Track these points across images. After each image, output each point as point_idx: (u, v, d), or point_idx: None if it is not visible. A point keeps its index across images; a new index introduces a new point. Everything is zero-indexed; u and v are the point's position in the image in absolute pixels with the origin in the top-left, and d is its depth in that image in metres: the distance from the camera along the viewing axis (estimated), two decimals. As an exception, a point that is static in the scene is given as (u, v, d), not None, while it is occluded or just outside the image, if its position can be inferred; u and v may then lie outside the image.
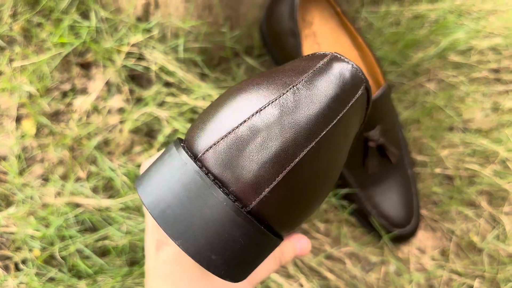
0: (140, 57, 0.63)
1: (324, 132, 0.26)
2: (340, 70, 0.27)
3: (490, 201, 0.62)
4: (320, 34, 0.55)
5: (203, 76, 0.65)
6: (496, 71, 0.71)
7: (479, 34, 0.72)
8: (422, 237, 0.60)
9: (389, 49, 0.67)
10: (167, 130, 0.59)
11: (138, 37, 0.62)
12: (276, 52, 0.56)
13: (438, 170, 0.62)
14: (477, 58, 0.70)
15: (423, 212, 0.61)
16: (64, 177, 0.58)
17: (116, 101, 0.62)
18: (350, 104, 0.27)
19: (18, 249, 0.53)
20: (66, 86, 0.62)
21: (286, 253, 0.35)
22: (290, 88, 0.26)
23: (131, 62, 0.62)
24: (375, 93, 0.49)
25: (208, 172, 0.26)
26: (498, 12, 0.74)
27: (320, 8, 0.55)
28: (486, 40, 0.72)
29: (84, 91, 0.62)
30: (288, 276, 0.55)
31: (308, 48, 0.55)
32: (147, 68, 0.62)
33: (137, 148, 0.60)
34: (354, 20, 0.72)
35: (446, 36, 0.69)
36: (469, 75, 0.69)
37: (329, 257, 0.57)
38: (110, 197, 0.57)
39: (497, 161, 0.63)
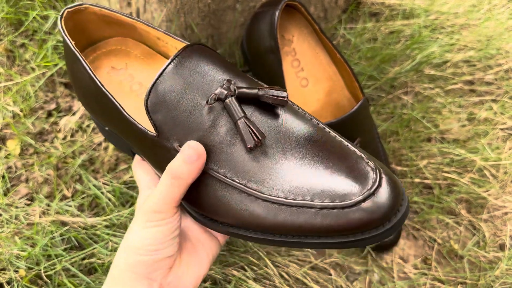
0: (124, 76, 0.64)
1: None
2: None
3: (469, 209, 0.64)
4: (300, 51, 0.57)
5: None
6: (470, 82, 0.73)
7: (453, 48, 0.74)
8: (405, 246, 0.61)
9: (366, 64, 0.70)
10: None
11: (121, 56, 0.63)
12: (257, 68, 0.58)
13: (417, 180, 0.64)
14: (452, 70, 0.73)
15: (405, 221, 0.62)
16: (49, 196, 0.58)
17: (101, 119, 0.62)
18: None
19: (3, 270, 0.53)
20: (51, 106, 0.63)
21: (174, 165, 0.34)
22: None
23: (115, 81, 0.63)
24: (354, 107, 0.51)
25: None
26: (470, 26, 0.77)
27: (299, 26, 0.57)
28: (460, 53, 0.74)
29: (68, 110, 0.63)
30: (275, 287, 0.55)
31: (288, 64, 0.56)
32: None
33: (122, 166, 0.60)
34: (332, 36, 0.74)
35: (422, 50, 0.71)
36: (444, 87, 0.72)
37: (314, 268, 0.58)
38: (96, 215, 0.57)
39: (475, 169, 0.65)
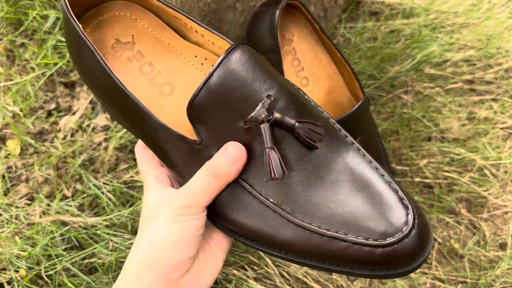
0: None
1: None
2: None
3: (469, 208, 0.64)
4: (300, 51, 0.57)
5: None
6: (470, 81, 0.73)
7: (453, 47, 0.74)
8: (405, 245, 0.61)
9: (366, 63, 0.70)
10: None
11: (121, 56, 0.63)
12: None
13: (418, 179, 0.64)
14: (452, 69, 0.73)
15: (405, 220, 0.62)
16: (50, 196, 0.58)
17: (101, 119, 0.62)
18: None
19: (3, 269, 0.53)
20: (51, 105, 0.63)
21: (215, 162, 0.34)
22: None
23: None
24: (355, 106, 0.51)
25: None
26: (470, 25, 0.77)
27: (299, 25, 0.57)
28: (460, 52, 0.74)
29: (68, 109, 0.63)
30: (276, 287, 0.55)
31: (288, 64, 0.56)
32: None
33: (122, 166, 0.60)
34: (332, 36, 0.74)
35: (422, 49, 0.71)
36: (445, 87, 0.72)
37: (315, 267, 0.58)
38: (96, 214, 0.57)
39: (475, 169, 0.65)
